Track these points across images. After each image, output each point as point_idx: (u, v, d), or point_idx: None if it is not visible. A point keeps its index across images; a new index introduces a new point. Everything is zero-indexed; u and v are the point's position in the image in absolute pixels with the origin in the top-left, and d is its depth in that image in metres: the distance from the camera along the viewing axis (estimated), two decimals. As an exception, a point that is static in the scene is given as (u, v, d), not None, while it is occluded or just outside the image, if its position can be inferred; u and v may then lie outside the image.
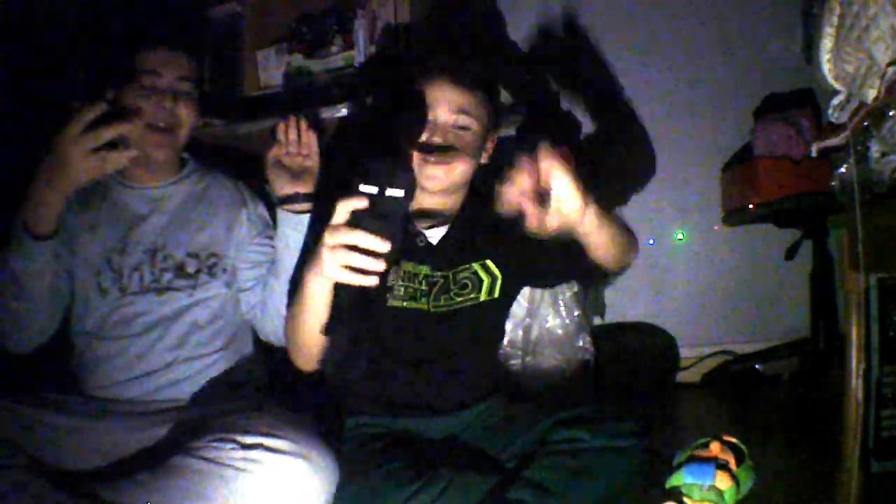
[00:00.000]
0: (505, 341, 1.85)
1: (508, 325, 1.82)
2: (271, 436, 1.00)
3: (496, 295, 1.30)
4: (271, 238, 1.40)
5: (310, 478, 0.99)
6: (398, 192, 0.88)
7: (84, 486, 1.01)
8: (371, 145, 1.49)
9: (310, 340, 1.08)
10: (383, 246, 0.88)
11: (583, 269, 1.16)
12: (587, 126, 2.37)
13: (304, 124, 1.34)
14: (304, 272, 1.02)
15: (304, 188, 1.33)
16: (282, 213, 1.33)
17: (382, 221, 0.88)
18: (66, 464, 1.12)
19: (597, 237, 1.05)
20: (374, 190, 0.88)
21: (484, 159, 1.32)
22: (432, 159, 1.22)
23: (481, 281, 1.29)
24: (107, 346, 1.29)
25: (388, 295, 1.25)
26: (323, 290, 0.99)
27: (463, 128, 1.26)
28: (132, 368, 1.27)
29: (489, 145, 1.33)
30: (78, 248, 1.33)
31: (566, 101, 2.35)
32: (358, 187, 0.89)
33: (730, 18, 2.32)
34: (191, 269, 1.33)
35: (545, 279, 1.45)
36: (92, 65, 1.82)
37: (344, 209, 0.89)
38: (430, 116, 1.25)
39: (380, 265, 0.89)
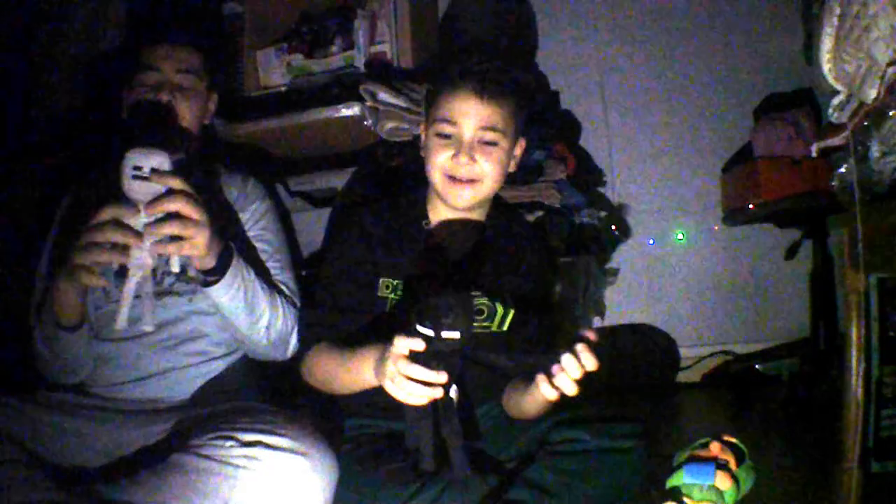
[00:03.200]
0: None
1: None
2: (271, 433, 1.00)
3: (504, 328, 1.25)
4: (267, 230, 1.39)
5: (310, 475, 0.99)
6: (454, 335, 0.89)
7: (85, 484, 1.00)
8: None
9: (338, 391, 1.15)
10: (440, 378, 0.89)
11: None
12: (587, 126, 2.37)
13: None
14: (364, 358, 1.03)
15: None
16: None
17: (439, 358, 0.90)
18: (67, 462, 1.11)
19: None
20: (430, 332, 0.89)
21: (512, 167, 1.26)
22: (459, 181, 1.18)
23: (495, 311, 1.24)
24: (107, 347, 1.27)
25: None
26: (373, 383, 1.00)
27: (490, 143, 1.18)
28: (130, 371, 1.26)
29: (518, 152, 1.26)
30: None
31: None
32: (415, 325, 0.90)
33: (730, 18, 2.32)
34: (192, 273, 1.28)
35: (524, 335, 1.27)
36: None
37: (402, 346, 0.90)
38: (455, 132, 1.17)
39: (437, 392, 0.90)
